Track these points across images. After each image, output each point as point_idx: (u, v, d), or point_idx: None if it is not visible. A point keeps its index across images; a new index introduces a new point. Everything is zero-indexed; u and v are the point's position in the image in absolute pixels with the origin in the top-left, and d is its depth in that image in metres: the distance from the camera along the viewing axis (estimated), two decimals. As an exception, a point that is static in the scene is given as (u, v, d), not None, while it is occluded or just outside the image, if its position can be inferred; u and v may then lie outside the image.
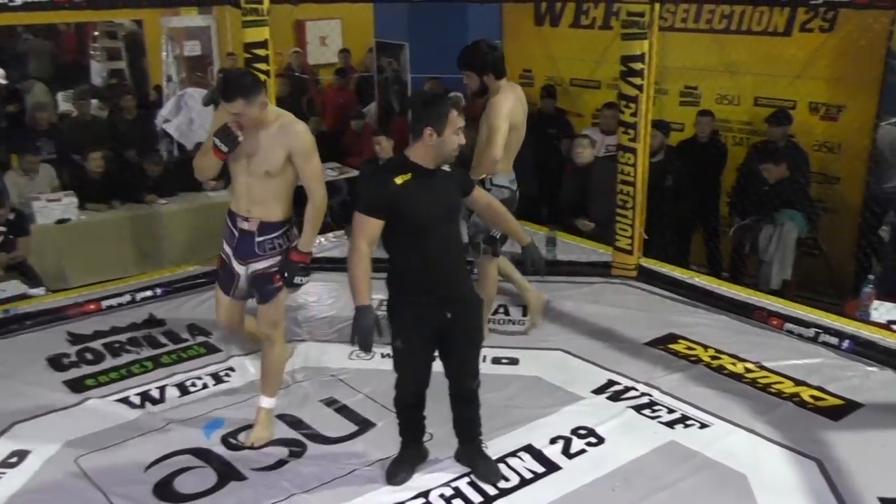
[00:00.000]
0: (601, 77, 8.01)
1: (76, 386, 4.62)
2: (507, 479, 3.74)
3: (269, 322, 4.01)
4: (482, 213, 3.80)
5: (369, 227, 3.35)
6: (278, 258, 3.89)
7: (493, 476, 3.73)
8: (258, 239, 3.87)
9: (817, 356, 4.93)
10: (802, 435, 4.10)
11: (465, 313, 3.52)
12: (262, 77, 5.70)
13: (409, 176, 3.33)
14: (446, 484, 3.70)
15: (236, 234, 3.92)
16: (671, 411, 4.32)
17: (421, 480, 3.73)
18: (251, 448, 3.99)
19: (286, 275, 3.89)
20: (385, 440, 3.99)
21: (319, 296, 5.83)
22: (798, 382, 4.62)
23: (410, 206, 3.33)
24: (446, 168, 3.43)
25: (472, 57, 4.62)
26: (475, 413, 3.73)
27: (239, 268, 3.96)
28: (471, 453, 3.79)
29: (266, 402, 4.09)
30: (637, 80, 5.67)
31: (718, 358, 4.91)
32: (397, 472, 3.76)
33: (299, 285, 3.97)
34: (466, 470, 3.78)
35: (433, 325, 3.47)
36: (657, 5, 5.54)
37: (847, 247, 6.25)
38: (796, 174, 6.13)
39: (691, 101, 7.36)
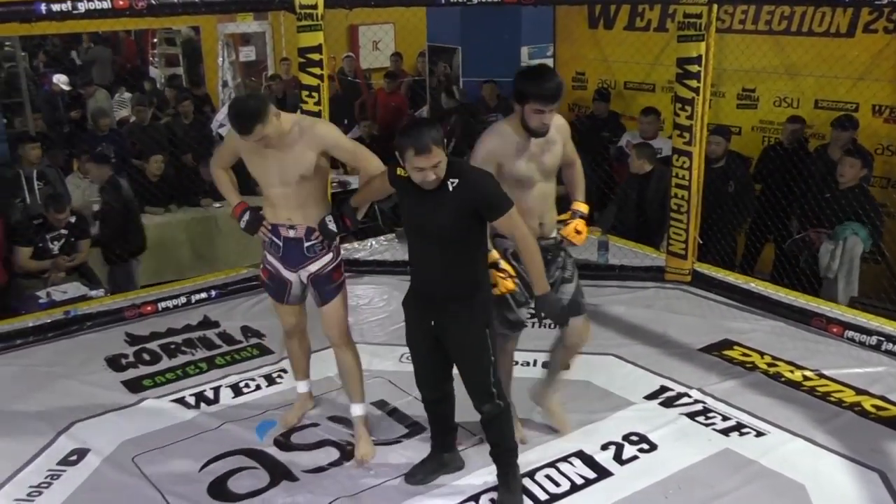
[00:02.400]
0: (656, 80, 7.92)
1: (134, 386, 4.70)
2: (557, 485, 3.71)
3: (334, 324, 3.96)
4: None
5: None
6: (331, 255, 3.89)
7: None
8: (307, 244, 3.84)
9: (880, 364, 4.80)
10: (864, 445, 3.99)
11: (452, 330, 3.41)
12: (316, 81, 5.81)
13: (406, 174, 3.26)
14: (495, 488, 3.66)
15: (280, 243, 3.88)
16: (726, 418, 4.24)
17: (472, 484, 3.72)
18: (364, 466, 3.89)
19: (336, 231, 3.79)
20: (435, 444, 3.99)
21: (371, 299, 5.86)
22: (859, 391, 4.50)
23: (402, 203, 3.44)
24: (452, 184, 3.20)
25: None
26: (495, 438, 3.56)
27: (290, 275, 3.93)
28: (499, 478, 3.62)
29: (359, 408, 4.03)
30: (693, 83, 5.59)
31: (775, 365, 4.81)
32: (416, 472, 3.76)
33: (328, 231, 3.78)
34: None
35: (424, 327, 3.47)
36: (715, 6, 5.46)
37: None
38: (864, 181, 5.96)
39: (748, 103, 7.24)
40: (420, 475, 3.75)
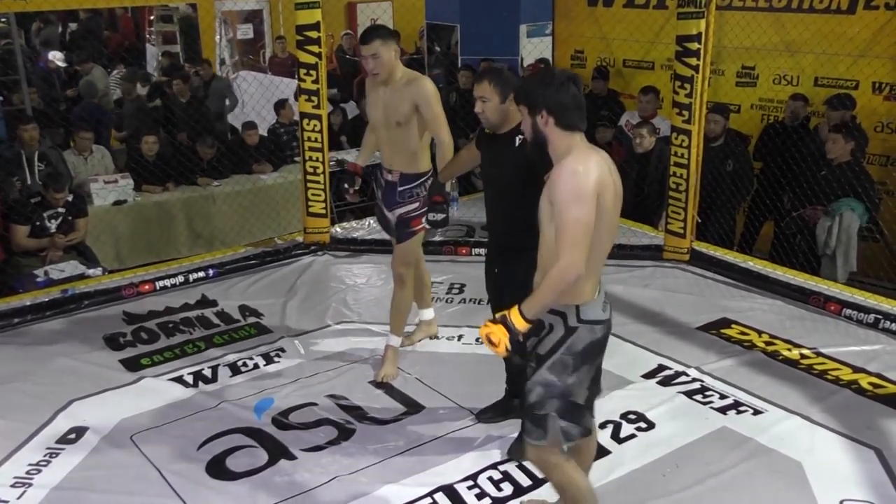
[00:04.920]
0: (655, 58, 7.88)
1: (132, 365, 4.70)
2: (555, 463, 3.72)
3: (401, 261, 4.43)
4: None
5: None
6: (417, 204, 4.30)
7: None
8: (399, 188, 4.30)
9: (877, 343, 4.81)
10: (860, 423, 4.01)
11: (505, 281, 3.63)
12: (314, 59, 5.78)
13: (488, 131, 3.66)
14: (494, 466, 3.69)
15: (384, 184, 4.41)
16: (723, 397, 4.25)
17: (470, 463, 3.72)
18: (382, 383, 4.42)
19: (428, 213, 4.16)
20: (433, 422, 4.01)
21: (369, 277, 5.86)
22: (856, 369, 4.51)
23: (481, 157, 3.78)
24: (518, 139, 3.44)
25: None
26: (521, 390, 3.59)
27: (388, 213, 4.45)
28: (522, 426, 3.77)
29: (393, 339, 4.54)
30: (692, 61, 5.56)
31: (773, 343, 4.82)
32: (487, 410, 4.00)
33: (435, 221, 4.10)
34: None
35: (491, 275, 3.80)
36: (714, -17, 5.42)
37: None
38: (858, 156, 5.95)
39: (748, 81, 7.21)
40: (490, 413, 3.96)
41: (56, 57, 10.75)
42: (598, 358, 2.99)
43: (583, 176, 2.67)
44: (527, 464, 3.68)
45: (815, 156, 6.13)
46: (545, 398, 2.88)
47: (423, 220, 4.28)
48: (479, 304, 5.27)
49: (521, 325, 2.76)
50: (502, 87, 3.48)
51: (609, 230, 2.82)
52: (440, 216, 4.06)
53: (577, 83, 2.84)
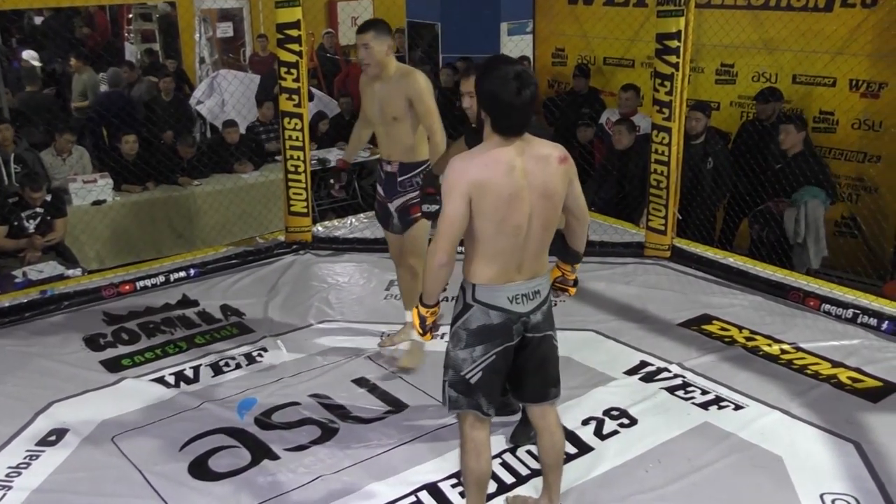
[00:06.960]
0: (635, 55, 7.91)
1: (112, 366, 4.67)
2: (539, 460, 3.73)
3: (411, 252, 4.50)
4: None
5: None
6: (416, 193, 4.28)
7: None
8: (399, 178, 4.36)
9: (856, 337, 4.85)
10: (840, 417, 4.04)
11: None
12: (295, 58, 5.76)
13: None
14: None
15: (384, 176, 4.47)
16: (705, 392, 4.28)
17: (454, 461, 3.72)
18: (392, 345, 4.73)
19: (422, 205, 4.16)
20: (416, 421, 4.00)
21: (351, 276, 5.85)
22: (836, 364, 4.56)
23: None
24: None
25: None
26: None
27: (390, 205, 4.48)
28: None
29: (409, 315, 4.58)
30: (672, 59, 5.59)
31: (753, 339, 4.85)
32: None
33: (429, 213, 4.11)
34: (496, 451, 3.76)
35: None
36: (693, -19, 5.45)
37: (887, 226, 6.13)
38: (811, 148, 6.04)
39: (727, 79, 7.25)
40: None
41: (31, 56, 10.64)
42: (497, 344, 2.97)
43: (455, 173, 2.83)
44: (519, 454, 3.72)
45: (773, 152, 6.22)
46: (445, 366, 3.08)
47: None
48: (461, 302, 5.28)
49: (423, 310, 3.07)
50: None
51: (504, 228, 2.86)
52: (434, 207, 4.05)
53: (523, 81, 2.76)
